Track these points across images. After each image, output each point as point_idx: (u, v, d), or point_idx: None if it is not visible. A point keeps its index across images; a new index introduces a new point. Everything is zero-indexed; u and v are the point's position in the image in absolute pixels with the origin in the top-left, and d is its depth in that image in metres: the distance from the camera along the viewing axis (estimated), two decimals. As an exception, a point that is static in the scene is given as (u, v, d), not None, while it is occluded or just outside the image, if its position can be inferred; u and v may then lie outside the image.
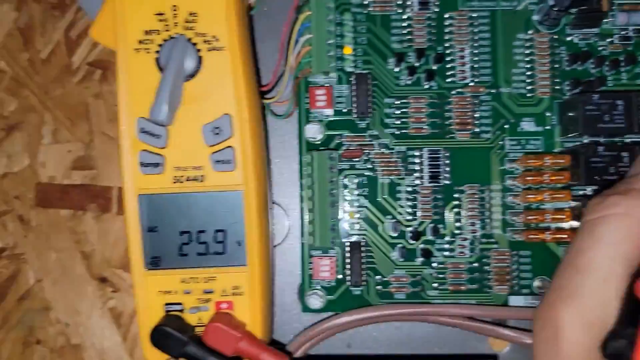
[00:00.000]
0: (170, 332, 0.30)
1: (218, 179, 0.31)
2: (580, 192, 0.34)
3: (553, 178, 0.33)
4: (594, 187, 0.33)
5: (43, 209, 0.38)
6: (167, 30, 0.30)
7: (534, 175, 0.33)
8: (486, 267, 0.35)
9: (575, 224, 0.34)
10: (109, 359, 0.38)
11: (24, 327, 0.38)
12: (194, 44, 0.30)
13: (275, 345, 0.34)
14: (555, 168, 0.34)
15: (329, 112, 0.35)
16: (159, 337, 0.30)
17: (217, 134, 0.30)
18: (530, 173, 0.33)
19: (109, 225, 0.38)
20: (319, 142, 0.35)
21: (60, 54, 0.39)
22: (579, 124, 0.33)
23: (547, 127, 0.35)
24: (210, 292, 0.31)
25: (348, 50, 0.35)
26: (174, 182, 0.31)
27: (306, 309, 0.35)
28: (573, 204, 0.34)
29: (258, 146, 0.32)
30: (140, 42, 0.30)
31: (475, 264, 0.35)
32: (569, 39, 0.35)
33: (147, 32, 0.30)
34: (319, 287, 0.35)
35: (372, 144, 0.35)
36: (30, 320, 0.38)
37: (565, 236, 0.34)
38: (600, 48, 0.35)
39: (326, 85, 0.35)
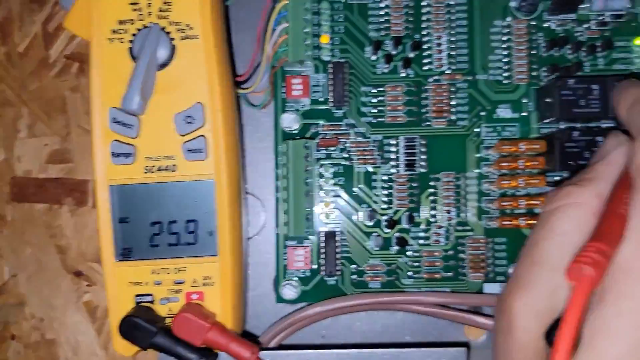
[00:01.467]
0: (139, 322, 0.29)
1: (190, 169, 0.31)
2: (556, 178, 0.34)
3: (528, 164, 0.33)
4: (569, 173, 0.33)
5: (18, 203, 0.38)
6: (141, 20, 0.30)
7: (509, 161, 0.33)
8: (461, 255, 0.35)
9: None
10: (83, 354, 0.38)
11: (-1, 322, 0.38)
12: (168, 33, 0.30)
13: (247, 336, 0.34)
14: (530, 154, 0.33)
15: (306, 101, 0.35)
16: (127, 328, 0.29)
17: (189, 122, 0.30)
18: (505, 159, 0.33)
19: (85, 218, 0.38)
20: (296, 132, 0.35)
21: (37, 47, 0.38)
22: (554, 109, 0.32)
23: (524, 114, 0.35)
24: (180, 282, 0.31)
25: (325, 38, 0.35)
26: (145, 172, 0.30)
27: (280, 299, 0.35)
28: (548, 189, 0.34)
29: (230, 136, 0.31)
30: (114, 31, 0.30)
31: (451, 252, 0.35)
32: (546, 25, 0.35)
33: (121, 22, 0.30)
34: (294, 278, 0.35)
35: (349, 133, 0.35)
36: (5, 316, 0.38)
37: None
38: (577, 34, 0.35)
39: (303, 74, 0.35)
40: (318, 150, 0.35)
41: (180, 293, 0.31)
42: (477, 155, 0.35)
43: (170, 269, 0.31)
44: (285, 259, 0.35)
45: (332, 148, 0.35)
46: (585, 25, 0.35)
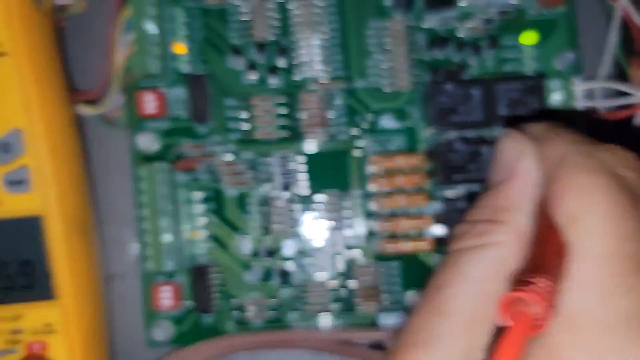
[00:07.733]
0: None
1: (14, 203, 0.27)
2: (446, 194, 0.31)
3: (408, 180, 0.29)
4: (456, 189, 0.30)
5: None
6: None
7: (388, 177, 0.29)
8: (351, 284, 0.31)
9: (439, 229, 0.30)
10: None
11: None
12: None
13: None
14: (410, 169, 0.30)
15: (165, 118, 0.32)
16: None
17: (8, 151, 0.26)
18: (384, 176, 0.30)
19: None
20: (156, 153, 0.31)
21: None
22: (431, 117, 0.29)
23: (409, 124, 0.32)
24: (18, 331, 0.27)
25: (181, 48, 0.32)
26: (-38, 208, 0.27)
27: (151, 342, 0.31)
28: (438, 207, 0.30)
29: (61, 163, 0.28)
30: None
31: (338, 281, 0.31)
32: (427, 24, 0.32)
33: None
34: (166, 318, 0.31)
35: (215, 152, 0.32)
36: None
37: (427, 244, 0.30)
38: (461, 32, 0.32)
39: (157, 89, 0.31)
40: (181, 174, 0.31)
41: (19, 344, 0.27)
42: (361, 171, 0.31)
43: (5, 316, 0.27)
44: (151, 298, 0.31)
45: (194, 170, 0.31)
46: (471, 23, 0.32)
